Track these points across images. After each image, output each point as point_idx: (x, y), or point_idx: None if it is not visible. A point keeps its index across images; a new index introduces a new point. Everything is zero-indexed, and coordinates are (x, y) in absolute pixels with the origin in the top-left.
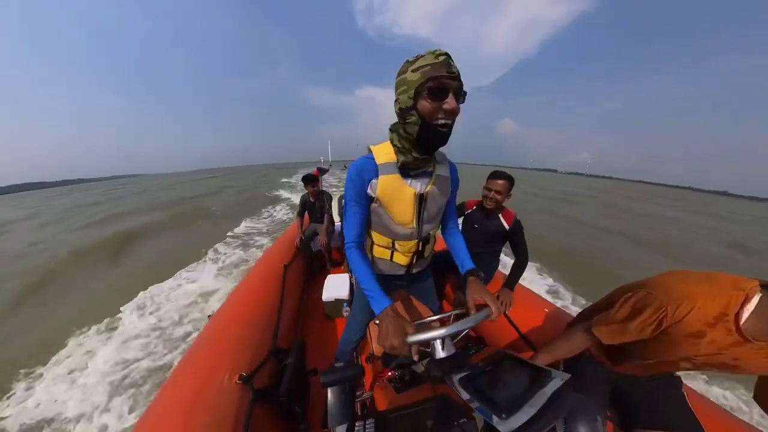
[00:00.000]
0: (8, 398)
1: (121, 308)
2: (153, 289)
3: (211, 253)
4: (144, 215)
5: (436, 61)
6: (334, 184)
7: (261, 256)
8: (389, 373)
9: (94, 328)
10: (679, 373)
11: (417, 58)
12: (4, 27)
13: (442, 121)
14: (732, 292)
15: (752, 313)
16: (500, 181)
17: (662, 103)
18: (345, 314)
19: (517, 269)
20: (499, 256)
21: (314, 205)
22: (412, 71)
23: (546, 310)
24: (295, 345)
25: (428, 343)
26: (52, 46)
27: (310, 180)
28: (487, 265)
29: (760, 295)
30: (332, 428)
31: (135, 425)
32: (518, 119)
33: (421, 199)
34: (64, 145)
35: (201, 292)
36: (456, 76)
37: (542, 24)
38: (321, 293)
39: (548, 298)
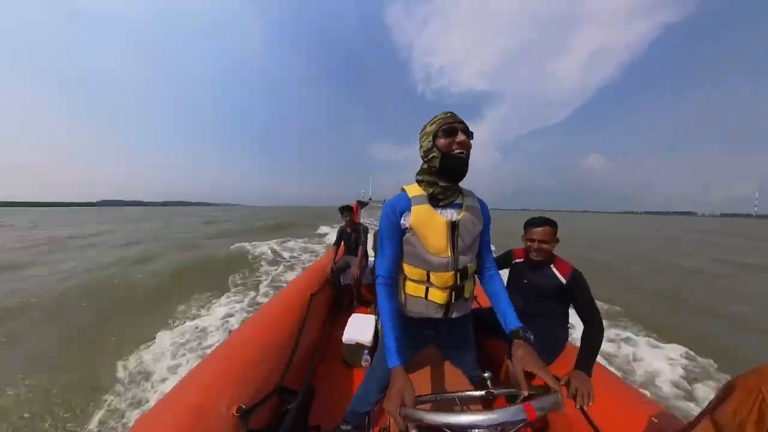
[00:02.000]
0: None
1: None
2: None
3: None
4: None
5: (446, 115)
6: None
7: (290, 281)
8: None
9: None
10: None
11: (432, 118)
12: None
13: (458, 151)
14: None
15: None
16: (540, 228)
17: None
18: (364, 364)
19: (590, 341)
20: (565, 321)
21: (350, 236)
22: (430, 125)
23: (645, 408)
24: (302, 389)
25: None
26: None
27: (346, 209)
28: (548, 333)
29: None
30: None
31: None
32: (607, 153)
33: (453, 227)
34: (171, 173)
35: None
36: (461, 121)
37: (617, 47)
38: (342, 333)
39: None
